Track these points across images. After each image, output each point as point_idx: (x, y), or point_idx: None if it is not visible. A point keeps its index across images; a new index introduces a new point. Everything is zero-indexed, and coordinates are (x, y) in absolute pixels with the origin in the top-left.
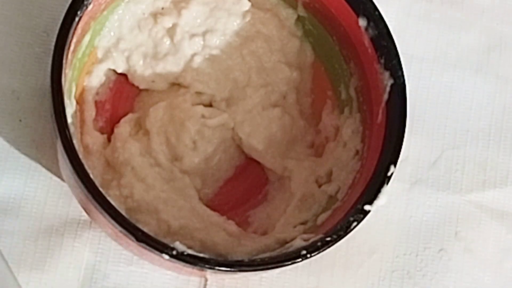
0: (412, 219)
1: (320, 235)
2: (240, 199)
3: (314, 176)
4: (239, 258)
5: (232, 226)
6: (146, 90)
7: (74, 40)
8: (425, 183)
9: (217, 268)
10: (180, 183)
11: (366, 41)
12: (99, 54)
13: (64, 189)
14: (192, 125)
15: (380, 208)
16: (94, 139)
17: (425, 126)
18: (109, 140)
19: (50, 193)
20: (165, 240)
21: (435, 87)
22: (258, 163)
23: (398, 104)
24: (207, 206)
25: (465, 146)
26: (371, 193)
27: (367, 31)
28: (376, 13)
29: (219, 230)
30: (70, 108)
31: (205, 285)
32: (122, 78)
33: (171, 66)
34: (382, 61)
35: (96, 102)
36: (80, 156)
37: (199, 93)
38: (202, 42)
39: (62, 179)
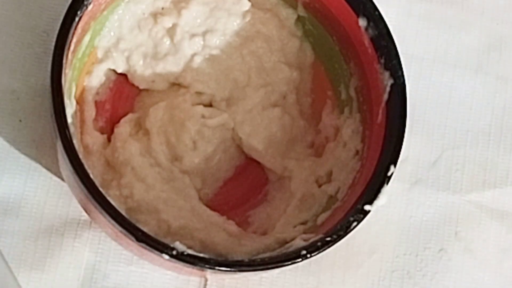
0: (412, 219)
1: (320, 235)
2: (240, 199)
3: (314, 176)
4: (239, 258)
5: (232, 226)
6: (146, 90)
7: (74, 40)
8: (425, 183)
9: (217, 268)
10: (180, 183)
11: (366, 41)
12: (99, 54)
13: (64, 189)
14: (192, 125)
15: (380, 208)
16: (94, 139)
17: (425, 126)
18: (109, 140)
19: (50, 193)
20: (165, 240)
21: (435, 87)
22: (258, 163)
23: (398, 104)
24: (207, 206)
25: (465, 146)
26: (371, 193)
27: (367, 31)
28: (376, 13)
29: (219, 230)
30: (70, 108)
31: (205, 285)
32: (122, 78)
33: (171, 66)
34: (382, 61)
35: (96, 102)
36: (80, 156)
37: (199, 93)
38: (202, 42)
39: (62, 179)
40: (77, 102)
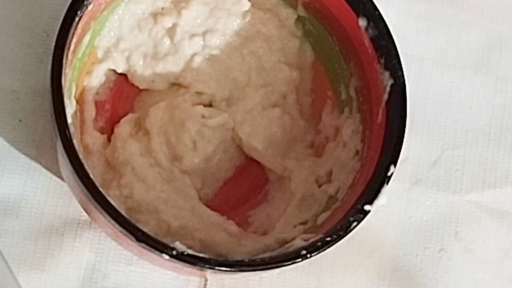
0: (412, 219)
1: (320, 235)
2: (240, 199)
3: (314, 176)
4: (239, 258)
5: (232, 226)
6: (146, 90)
7: (74, 40)
8: (425, 183)
9: (217, 268)
10: (180, 183)
11: (366, 41)
12: (99, 54)
13: (64, 189)
14: (192, 125)
15: (380, 208)
16: (94, 139)
17: (425, 126)
18: (109, 140)
19: (50, 193)
20: (165, 240)
21: (435, 87)
22: (258, 163)
23: (398, 104)
24: (207, 206)
25: (465, 146)
26: (371, 193)
27: (367, 31)
28: (376, 13)
29: (219, 230)
30: (70, 108)
31: (205, 285)
32: (122, 78)
33: (171, 66)
34: (382, 61)
35: (96, 102)
36: (80, 156)
37: (199, 93)
38: (202, 42)
39: (62, 179)
40: (77, 102)
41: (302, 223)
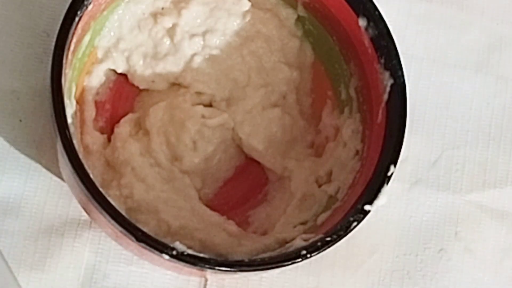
0: (412, 219)
1: (320, 235)
2: (240, 199)
3: (314, 176)
4: (239, 258)
5: (232, 226)
6: (146, 90)
7: (74, 40)
8: (425, 183)
9: (217, 268)
10: (180, 183)
11: (366, 41)
12: (99, 54)
13: (64, 189)
14: (192, 125)
15: (380, 208)
16: (94, 139)
17: (425, 126)
18: (109, 140)
19: (50, 193)
20: (165, 240)
21: (435, 87)
22: (258, 163)
23: (398, 104)
24: (207, 206)
25: (465, 146)
26: (371, 193)
27: (367, 31)
28: (376, 13)
29: (219, 230)
30: (70, 108)
31: (205, 285)
32: (122, 78)
33: (171, 66)
34: (382, 61)
35: (96, 102)
36: (80, 156)
37: (199, 93)
38: (202, 42)
39: (62, 179)
40: (77, 102)
41: (302, 223)
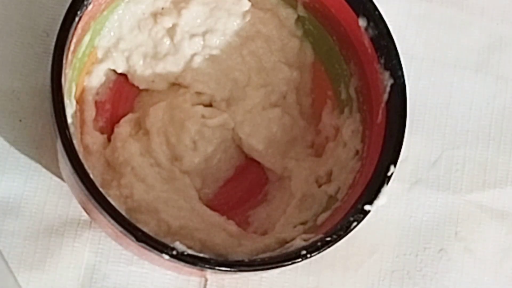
0: (412, 219)
1: (320, 235)
2: (240, 199)
3: (314, 176)
4: (239, 258)
5: (232, 226)
6: (146, 90)
7: (74, 40)
8: (425, 183)
9: (217, 268)
10: (180, 183)
11: (366, 41)
12: (99, 54)
13: (64, 189)
14: (192, 125)
15: (380, 208)
16: (94, 139)
17: (425, 126)
18: (109, 140)
19: (50, 193)
20: (165, 240)
21: (435, 87)
22: (258, 163)
23: (398, 104)
24: (207, 206)
25: (465, 146)
26: (371, 193)
27: (367, 31)
28: (376, 13)
29: (219, 230)
30: (70, 108)
31: (205, 285)
32: (122, 78)
33: (171, 66)
34: (382, 61)
35: (96, 102)
36: (80, 156)
37: (199, 93)
38: (202, 42)
39: (62, 179)
40: (77, 102)
41: (302, 223)
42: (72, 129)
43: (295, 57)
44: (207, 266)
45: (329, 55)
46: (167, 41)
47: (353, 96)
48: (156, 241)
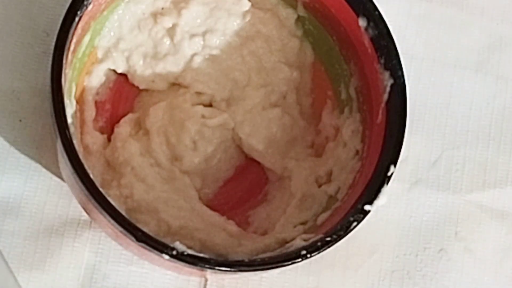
0: (412, 219)
1: (320, 235)
2: (240, 199)
3: (314, 176)
4: (239, 258)
5: (232, 226)
6: (146, 90)
7: (74, 40)
8: (425, 183)
9: (217, 268)
10: (180, 183)
11: (366, 41)
12: (99, 54)
13: (64, 189)
14: (192, 125)
15: (380, 208)
16: (94, 139)
17: (425, 126)
18: (109, 140)
19: (50, 193)
20: (165, 240)
21: (435, 87)
22: (258, 163)
23: (398, 104)
24: (207, 206)
25: (465, 146)
26: (371, 193)
27: (367, 31)
28: (376, 13)
29: (219, 230)
30: (70, 108)
31: (205, 285)
32: (122, 78)
33: (171, 66)
34: (382, 61)
35: (96, 102)
36: (80, 156)
37: (199, 93)
38: (202, 42)
39: (62, 179)
40: (77, 102)
41: (302, 223)
42: (72, 129)
43: (295, 57)
44: (207, 266)
45: (329, 55)
46: (167, 41)
47: (353, 96)
48: (156, 241)
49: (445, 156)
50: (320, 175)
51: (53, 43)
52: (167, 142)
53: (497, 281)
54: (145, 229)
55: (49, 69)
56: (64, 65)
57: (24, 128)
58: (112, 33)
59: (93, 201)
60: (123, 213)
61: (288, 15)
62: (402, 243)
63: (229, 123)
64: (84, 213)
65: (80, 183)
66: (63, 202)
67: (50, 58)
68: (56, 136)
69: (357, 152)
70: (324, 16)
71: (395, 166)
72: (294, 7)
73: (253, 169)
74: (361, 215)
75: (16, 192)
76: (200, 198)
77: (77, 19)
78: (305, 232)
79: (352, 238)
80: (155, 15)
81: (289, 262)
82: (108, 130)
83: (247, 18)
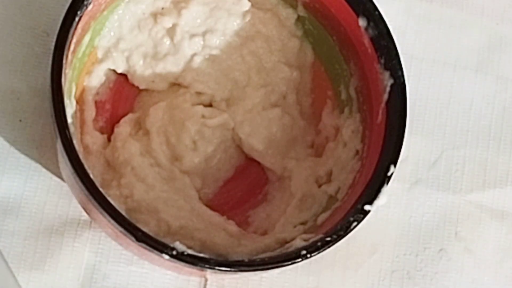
0: (412, 219)
1: (320, 235)
2: (240, 199)
3: (314, 176)
4: (239, 258)
5: (232, 226)
6: (146, 90)
7: (74, 40)
8: (425, 183)
9: (217, 268)
10: (180, 183)
11: (366, 41)
12: (99, 54)
13: (64, 189)
14: (192, 125)
15: (380, 208)
16: (94, 139)
17: (425, 126)
18: (109, 140)
19: (50, 193)
20: (165, 240)
21: (435, 87)
22: (258, 163)
23: (398, 104)
24: (207, 206)
25: (465, 146)
26: (371, 193)
27: (367, 31)
28: (376, 13)
29: (219, 230)
30: (70, 108)
31: (205, 285)
32: (122, 78)
33: (171, 66)
34: (382, 61)
35: (96, 102)
36: (80, 156)
37: (199, 93)
38: (202, 42)
39: (62, 179)
40: (77, 102)
41: (302, 223)
42: (72, 129)
43: (295, 57)
44: (207, 266)
45: (329, 55)
46: (167, 41)
47: (353, 96)
48: (156, 241)
49: (445, 156)
50: (320, 175)
51: (53, 43)
52: (167, 142)
53: (497, 281)
54: (145, 229)
55: (49, 69)
56: (64, 65)
57: (24, 128)
58: (112, 33)
59: (93, 201)
60: (123, 213)
61: (288, 15)
62: (402, 243)
63: (229, 123)
64: (84, 213)
65: (80, 183)
66: (63, 202)
67: (50, 58)
68: (56, 136)
69: (357, 152)
70: (324, 16)
71: (395, 166)
72: (294, 7)
73: (253, 169)
74: (361, 215)
75: (16, 192)
76: (200, 198)
77: (77, 19)
78: (305, 232)
79: (352, 238)
80: (155, 15)
81: (289, 262)
82: (108, 130)
83: (247, 18)
